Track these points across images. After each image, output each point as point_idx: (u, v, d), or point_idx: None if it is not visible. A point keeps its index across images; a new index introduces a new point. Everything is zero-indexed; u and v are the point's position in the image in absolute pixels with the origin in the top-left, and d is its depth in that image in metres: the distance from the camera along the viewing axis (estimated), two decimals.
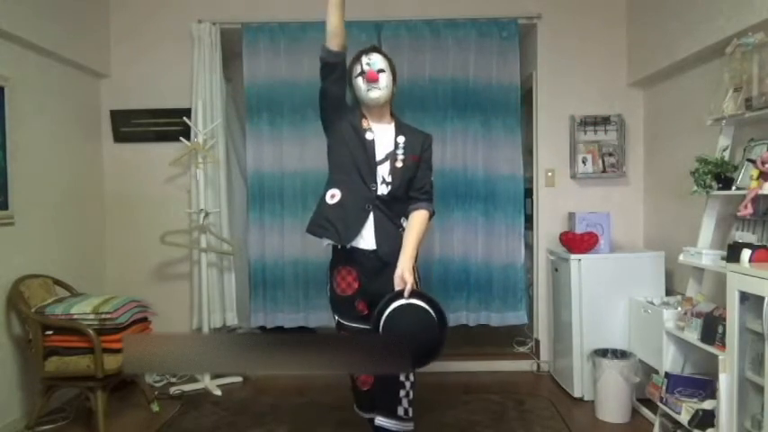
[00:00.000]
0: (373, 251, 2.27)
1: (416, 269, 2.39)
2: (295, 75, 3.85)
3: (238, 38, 3.90)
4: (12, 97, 3.06)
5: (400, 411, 2.22)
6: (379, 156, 2.31)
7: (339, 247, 2.33)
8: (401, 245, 2.27)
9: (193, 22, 3.88)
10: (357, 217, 2.27)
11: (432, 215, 2.39)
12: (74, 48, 3.57)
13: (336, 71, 2.28)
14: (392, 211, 2.31)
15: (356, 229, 2.26)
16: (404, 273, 2.16)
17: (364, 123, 2.33)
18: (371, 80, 2.27)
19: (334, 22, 2.23)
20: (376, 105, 2.32)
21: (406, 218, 2.35)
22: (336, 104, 2.34)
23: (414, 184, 2.36)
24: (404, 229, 2.33)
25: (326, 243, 2.37)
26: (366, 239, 2.28)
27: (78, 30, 3.64)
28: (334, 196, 2.30)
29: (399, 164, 2.31)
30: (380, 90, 2.28)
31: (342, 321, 2.39)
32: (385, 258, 2.26)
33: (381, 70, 2.29)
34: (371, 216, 2.28)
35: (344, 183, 2.31)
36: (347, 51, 2.32)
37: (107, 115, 3.99)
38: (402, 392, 2.22)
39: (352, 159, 2.29)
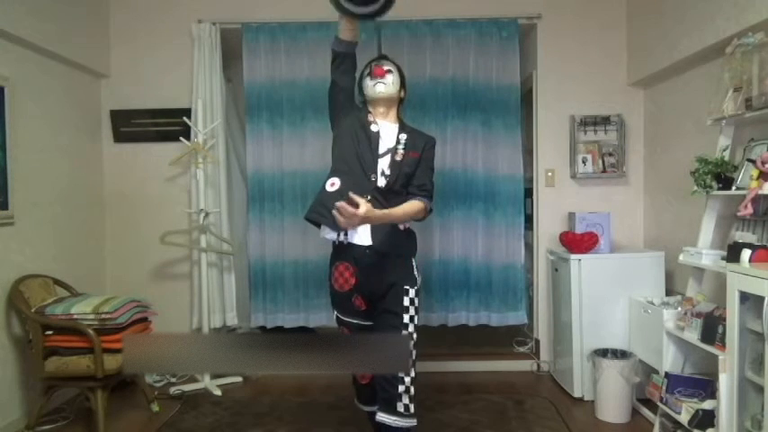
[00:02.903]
0: (369, 247, 2.29)
1: (417, 265, 2.40)
2: (295, 75, 3.85)
3: (238, 38, 3.90)
4: (12, 97, 3.06)
5: (400, 407, 2.23)
6: (381, 149, 2.35)
7: (337, 242, 2.35)
8: (397, 239, 2.30)
9: (193, 22, 3.88)
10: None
11: (428, 211, 2.39)
12: (74, 48, 3.57)
13: (346, 61, 2.36)
14: (389, 203, 2.31)
15: None
16: (362, 203, 2.04)
17: (370, 118, 2.40)
18: (378, 75, 2.35)
19: (345, 27, 2.31)
20: (382, 98, 2.37)
21: None
22: (345, 98, 2.40)
23: (413, 182, 2.38)
24: (400, 225, 2.34)
25: (323, 235, 2.38)
26: (362, 235, 2.30)
27: (78, 30, 3.64)
28: (333, 184, 2.32)
29: (399, 157, 2.34)
30: (386, 85, 2.36)
31: (340, 317, 2.41)
32: (380, 249, 2.26)
33: (389, 71, 2.38)
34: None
35: (345, 172, 2.33)
36: (357, 44, 2.40)
37: (107, 115, 3.99)
38: (401, 388, 2.23)
39: (354, 150, 2.33)
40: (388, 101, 2.40)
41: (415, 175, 2.37)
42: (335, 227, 2.25)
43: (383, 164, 2.33)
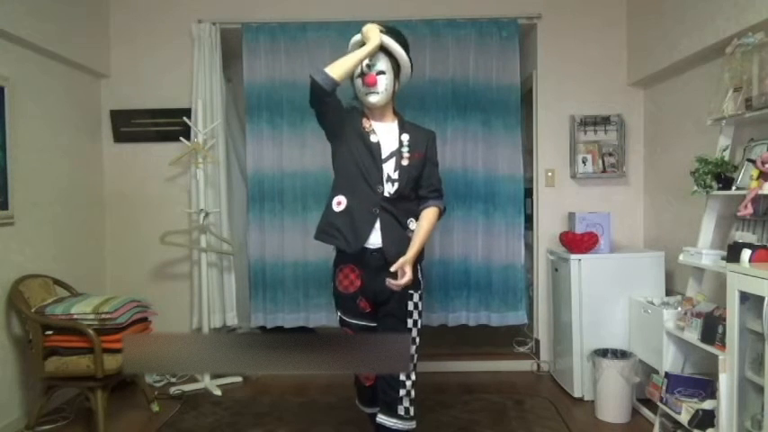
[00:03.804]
0: (378, 249, 2.25)
1: (422, 269, 2.39)
2: (295, 75, 3.85)
3: (238, 38, 3.90)
4: (12, 97, 3.06)
5: (401, 410, 2.22)
6: (384, 154, 2.29)
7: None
8: (406, 245, 2.26)
9: (193, 22, 3.88)
10: (365, 222, 2.24)
11: (443, 211, 2.38)
12: (74, 48, 3.57)
13: (330, 98, 2.22)
14: (399, 211, 2.28)
15: (365, 235, 2.23)
16: (404, 263, 2.19)
17: (366, 124, 2.32)
18: (370, 84, 2.26)
19: (343, 72, 2.20)
20: (375, 108, 2.33)
21: (415, 218, 2.33)
22: (336, 121, 2.30)
23: (422, 183, 2.35)
24: (411, 231, 2.30)
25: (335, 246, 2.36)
26: (371, 239, 2.27)
27: (78, 30, 3.64)
28: (340, 203, 2.28)
29: (405, 162, 2.29)
30: (379, 94, 2.28)
31: (344, 318, 2.39)
32: (388, 253, 2.24)
33: (381, 72, 2.28)
34: (378, 219, 2.25)
35: (350, 188, 2.28)
36: None
37: (107, 115, 3.99)
38: (402, 392, 2.22)
39: (356, 164, 2.27)
40: (382, 106, 2.33)
41: (422, 176, 2.33)
42: (347, 246, 2.24)
43: (388, 168, 2.28)
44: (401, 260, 2.19)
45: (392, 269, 2.20)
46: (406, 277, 2.18)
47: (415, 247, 2.24)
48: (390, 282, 2.19)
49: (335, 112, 2.29)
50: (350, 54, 2.26)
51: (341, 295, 2.36)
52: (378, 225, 2.25)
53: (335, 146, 2.37)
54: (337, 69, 2.20)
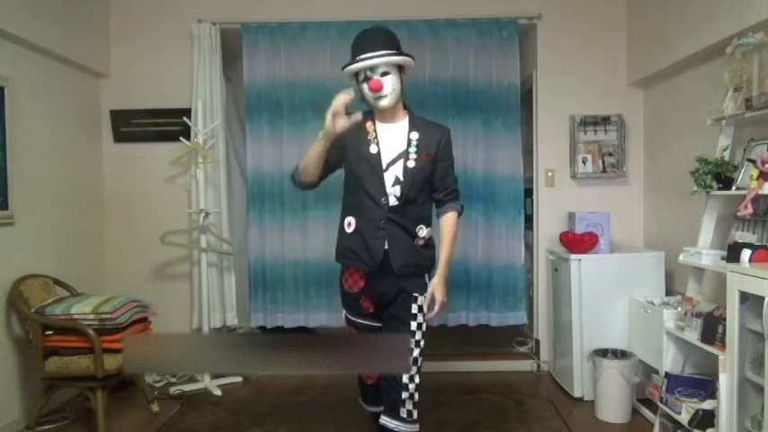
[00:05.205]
0: (384, 250, 2.23)
1: (428, 274, 2.37)
2: (295, 75, 3.85)
3: (238, 38, 3.90)
4: (12, 97, 3.06)
5: (403, 413, 2.21)
6: (389, 159, 2.23)
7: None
8: (416, 257, 2.26)
9: (193, 22, 3.88)
10: (375, 239, 2.22)
11: (461, 211, 2.37)
12: (74, 48, 3.57)
13: (315, 185, 2.33)
14: (406, 218, 2.24)
15: (379, 253, 2.22)
16: (435, 291, 2.23)
17: (369, 129, 2.26)
18: (376, 89, 2.17)
19: (313, 172, 2.26)
20: (386, 110, 2.25)
21: (425, 225, 2.30)
22: (340, 155, 2.30)
23: (436, 186, 2.31)
24: (420, 239, 2.28)
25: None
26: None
27: (78, 30, 3.64)
28: (350, 225, 2.28)
29: (411, 163, 2.23)
30: (387, 97, 2.19)
31: (349, 317, 2.40)
32: (398, 272, 2.22)
33: (386, 73, 2.18)
34: (386, 232, 2.23)
35: (357, 208, 2.26)
36: None
37: (107, 115, 3.99)
38: (405, 394, 2.21)
39: (360, 183, 2.23)
40: (393, 106, 2.26)
41: (434, 177, 2.29)
42: (367, 267, 2.24)
43: (396, 170, 2.22)
44: (429, 289, 2.24)
45: (426, 305, 2.25)
46: (438, 303, 2.23)
47: (442, 267, 2.26)
48: (428, 313, 2.26)
49: (336, 158, 2.30)
50: (312, 148, 2.20)
51: (345, 293, 2.37)
52: (387, 237, 2.23)
53: (344, 165, 2.35)
54: (307, 173, 2.26)
